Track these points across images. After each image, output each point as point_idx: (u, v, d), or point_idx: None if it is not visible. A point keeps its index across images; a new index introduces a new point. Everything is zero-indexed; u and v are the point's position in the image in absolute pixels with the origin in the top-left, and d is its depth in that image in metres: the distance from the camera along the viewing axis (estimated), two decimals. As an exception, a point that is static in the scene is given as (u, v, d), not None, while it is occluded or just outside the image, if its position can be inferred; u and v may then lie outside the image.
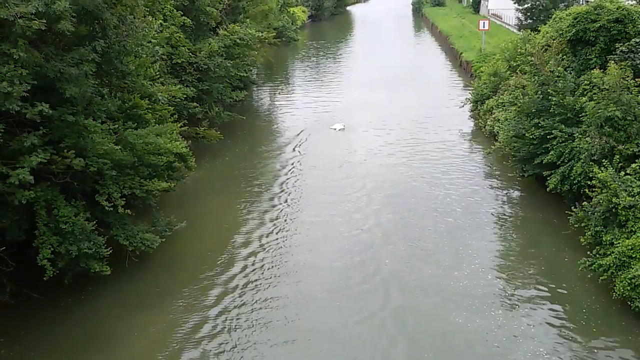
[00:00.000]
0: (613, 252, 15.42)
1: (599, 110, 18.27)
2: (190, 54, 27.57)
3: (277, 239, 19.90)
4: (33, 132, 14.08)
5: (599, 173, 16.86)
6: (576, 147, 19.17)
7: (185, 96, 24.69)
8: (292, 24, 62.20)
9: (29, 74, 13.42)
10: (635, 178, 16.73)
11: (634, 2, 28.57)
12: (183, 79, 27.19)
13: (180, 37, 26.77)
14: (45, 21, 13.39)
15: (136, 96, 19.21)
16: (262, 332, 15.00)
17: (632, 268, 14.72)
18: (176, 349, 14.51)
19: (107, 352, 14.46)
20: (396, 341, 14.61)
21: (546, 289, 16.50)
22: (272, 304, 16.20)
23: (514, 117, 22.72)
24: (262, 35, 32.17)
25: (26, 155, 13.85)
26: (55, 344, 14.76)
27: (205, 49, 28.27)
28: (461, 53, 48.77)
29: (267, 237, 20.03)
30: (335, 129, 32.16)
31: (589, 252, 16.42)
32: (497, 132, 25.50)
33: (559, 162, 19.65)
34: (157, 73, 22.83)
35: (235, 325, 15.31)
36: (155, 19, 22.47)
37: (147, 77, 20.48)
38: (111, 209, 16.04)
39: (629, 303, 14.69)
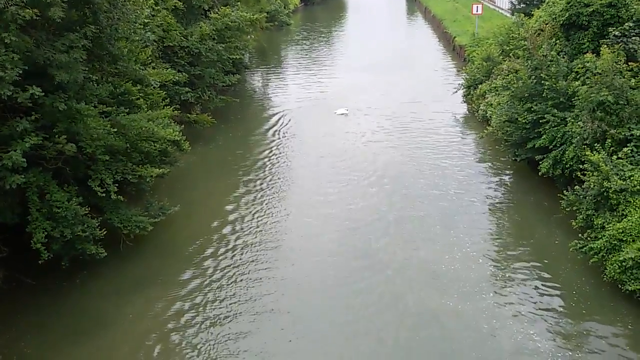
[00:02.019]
0: (604, 236, 15.57)
1: (592, 95, 18.32)
2: (182, 37, 27.37)
3: (271, 223, 19.96)
4: (25, 117, 14.01)
5: (591, 156, 16.95)
6: (568, 131, 19.25)
7: (177, 80, 24.55)
8: (284, 7, 61.71)
9: (20, 59, 13.31)
10: (627, 162, 16.85)
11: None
12: (175, 62, 27.02)
13: (171, 20, 26.54)
14: (37, 10, 13.27)
15: (127, 83, 19.09)
16: (255, 319, 15.09)
17: (623, 251, 14.87)
18: (170, 333, 14.59)
19: (102, 336, 14.53)
20: (388, 324, 14.75)
21: (537, 271, 16.67)
22: (265, 288, 16.28)
23: (507, 101, 22.76)
24: (253, 18, 31.94)
25: (18, 139, 13.79)
26: (49, 328, 14.81)
27: (197, 32, 28.06)
28: (454, 37, 48.61)
29: (261, 221, 20.08)
30: (339, 114, 31.95)
31: (580, 235, 16.56)
32: (490, 117, 25.55)
33: (551, 147, 19.73)
34: (149, 58, 22.68)
35: (229, 310, 15.40)
36: (146, 1, 22.24)
37: (139, 62, 20.35)
38: (104, 194, 16.02)
39: (620, 286, 14.87)
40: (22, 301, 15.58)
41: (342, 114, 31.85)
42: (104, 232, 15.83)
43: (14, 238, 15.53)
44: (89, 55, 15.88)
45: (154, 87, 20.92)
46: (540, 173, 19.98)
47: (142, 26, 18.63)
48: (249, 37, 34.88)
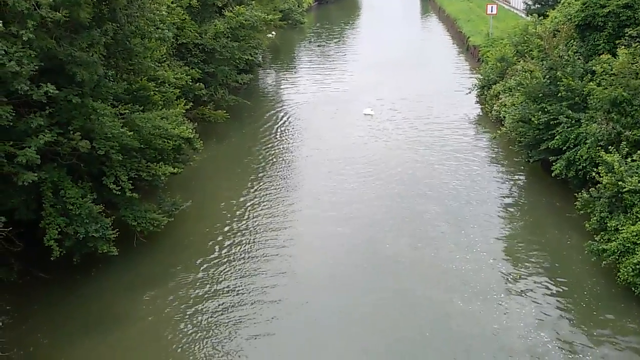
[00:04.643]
0: (618, 238, 15.46)
1: (605, 92, 18.20)
2: (196, 34, 27.50)
3: (282, 219, 20.06)
4: (40, 112, 14.17)
5: (605, 156, 16.84)
6: (582, 132, 19.13)
7: (190, 78, 24.66)
8: (298, 6, 61.71)
9: (36, 56, 13.45)
10: (642, 164, 16.72)
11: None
12: (188, 60, 27.15)
13: (186, 18, 26.67)
14: (67, 13, 13.47)
15: (143, 78, 19.23)
16: (268, 310, 15.22)
17: (637, 254, 14.76)
18: (182, 327, 14.73)
19: (116, 328, 14.74)
20: (397, 322, 14.79)
21: (548, 272, 16.60)
22: (276, 283, 16.39)
23: (521, 102, 22.67)
24: (267, 17, 31.99)
25: (33, 136, 13.95)
26: (65, 320, 15.03)
27: (211, 30, 28.17)
28: (468, 37, 48.36)
29: (273, 217, 20.18)
30: (365, 114, 31.58)
31: (595, 236, 16.46)
32: (504, 117, 25.44)
33: (565, 148, 19.62)
34: (164, 56, 22.81)
35: (242, 303, 15.54)
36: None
37: (154, 59, 20.49)
38: (119, 192, 16.15)
39: (633, 289, 14.76)
40: (37, 293, 15.78)
41: (367, 115, 31.59)
42: (117, 232, 15.96)
43: (29, 232, 15.71)
44: (106, 52, 16.03)
45: (169, 85, 21.05)
46: (553, 174, 19.87)
47: (161, 23, 18.69)
48: (270, 34, 34.59)
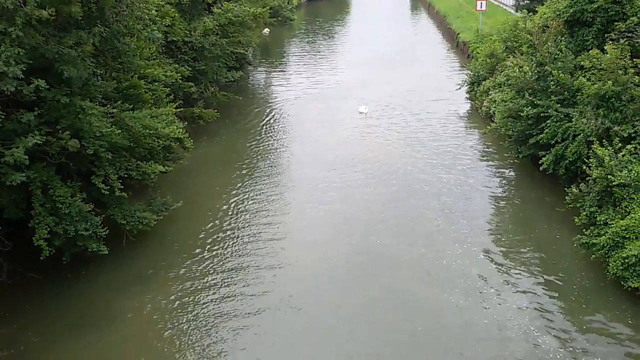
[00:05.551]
0: (607, 232, 15.57)
1: (593, 87, 18.31)
2: (186, 32, 27.38)
3: (274, 217, 20.02)
4: (29, 112, 14.05)
5: (597, 149, 16.94)
6: (571, 127, 19.23)
7: (181, 76, 24.57)
8: (287, 3, 61.66)
9: (25, 54, 13.34)
10: (631, 158, 16.83)
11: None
12: (178, 58, 27.04)
13: (175, 15, 26.56)
14: (54, 9, 13.34)
15: (134, 76, 19.12)
16: (259, 308, 15.19)
17: (626, 248, 14.88)
18: (173, 324, 14.69)
19: (106, 327, 14.69)
20: (389, 319, 14.82)
21: (538, 266, 16.70)
22: (268, 283, 16.36)
23: (510, 97, 22.77)
24: (257, 12, 31.88)
25: (22, 136, 13.84)
26: (56, 319, 14.95)
27: (200, 27, 28.08)
28: (458, 34, 48.45)
29: (264, 215, 20.15)
30: (360, 112, 31.29)
31: (584, 231, 16.57)
32: (493, 113, 25.53)
33: (553, 142, 19.72)
34: (153, 54, 22.71)
35: (232, 303, 15.48)
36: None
37: (144, 57, 20.39)
38: (108, 191, 16.05)
39: (622, 283, 14.88)
40: (28, 293, 15.68)
41: (362, 113, 31.27)
42: (107, 230, 15.90)
43: (18, 232, 15.61)
44: (95, 50, 15.93)
45: (158, 83, 20.94)
46: (541, 168, 19.98)
47: (151, 22, 18.54)
48: (264, 31, 34.42)
